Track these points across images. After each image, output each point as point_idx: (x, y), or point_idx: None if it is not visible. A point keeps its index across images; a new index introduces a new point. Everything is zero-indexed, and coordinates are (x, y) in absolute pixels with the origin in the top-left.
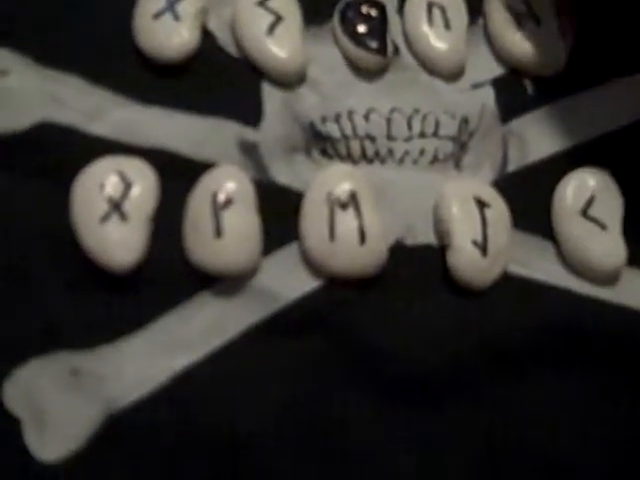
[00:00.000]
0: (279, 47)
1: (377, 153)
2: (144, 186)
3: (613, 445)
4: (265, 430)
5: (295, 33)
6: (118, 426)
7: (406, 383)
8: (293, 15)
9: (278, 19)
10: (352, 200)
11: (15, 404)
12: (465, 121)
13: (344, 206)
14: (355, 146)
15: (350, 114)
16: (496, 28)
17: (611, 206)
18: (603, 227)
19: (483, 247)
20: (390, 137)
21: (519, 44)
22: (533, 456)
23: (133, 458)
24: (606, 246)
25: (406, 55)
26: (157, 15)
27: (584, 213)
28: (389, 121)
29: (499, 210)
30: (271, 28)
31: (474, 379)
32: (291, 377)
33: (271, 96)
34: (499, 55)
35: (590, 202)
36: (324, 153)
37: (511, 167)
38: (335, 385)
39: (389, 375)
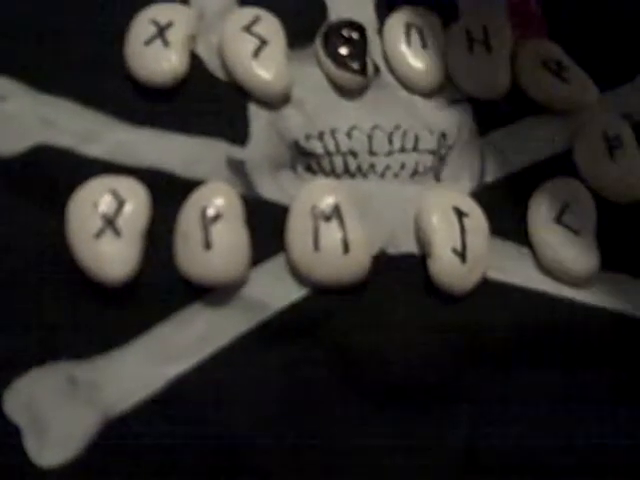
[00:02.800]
0: (264, 69)
1: (359, 168)
2: (136, 203)
3: (591, 441)
4: (257, 436)
5: (280, 56)
6: (115, 433)
7: (392, 386)
8: (277, 39)
9: (263, 43)
10: (335, 213)
11: (15, 412)
12: (443, 136)
13: (328, 218)
14: (338, 162)
15: (333, 132)
16: (450, 49)
17: (584, 213)
18: (577, 233)
19: (462, 254)
20: (372, 152)
21: (463, 67)
22: (516, 453)
23: (130, 464)
24: (579, 251)
25: (386, 74)
26: (147, 41)
27: (558, 220)
28: (370, 137)
29: (477, 219)
30: (256, 52)
31: (458, 380)
32: (281, 382)
33: (257, 116)
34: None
35: (564, 210)
36: (309, 169)
37: (489, 178)
38: (324, 389)
39: (375, 379)
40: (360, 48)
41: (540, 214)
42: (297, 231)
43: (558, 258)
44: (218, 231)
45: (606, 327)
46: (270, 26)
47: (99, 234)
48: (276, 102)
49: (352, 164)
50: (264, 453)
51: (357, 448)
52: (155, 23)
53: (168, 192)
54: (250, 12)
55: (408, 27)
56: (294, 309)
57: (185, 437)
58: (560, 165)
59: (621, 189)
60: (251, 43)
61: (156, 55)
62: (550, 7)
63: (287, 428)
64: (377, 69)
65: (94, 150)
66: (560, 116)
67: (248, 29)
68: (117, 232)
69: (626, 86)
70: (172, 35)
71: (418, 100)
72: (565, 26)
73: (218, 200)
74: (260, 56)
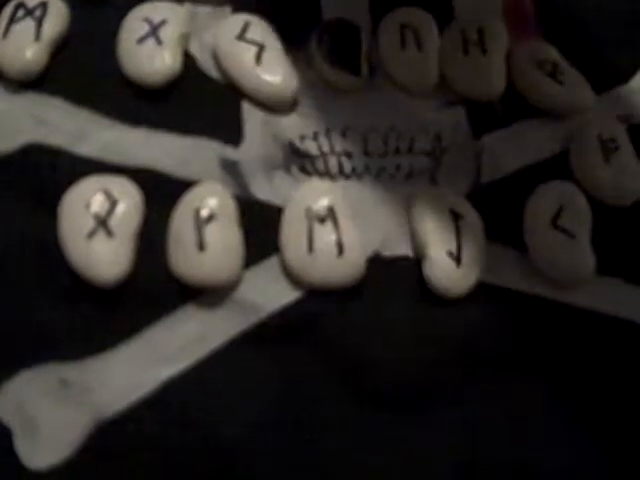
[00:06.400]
0: (271, 74)
1: (354, 169)
2: (129, 203)
3: (580, 449)
4: (250, 437)
5: (281, 58)
6: (106, 435)
7: (386, 389)
8: (273, 42)
9: (261, 48)
10: (330, 214)
11: (5, 414)
12: (438, 138)
13: (322, 220)
14: (332, 162)
15: (328, 132)
16: (445, 51)
17: (579, 216)
18: (572, 236)
19: (457, 257)
20: (366, 153)
21: (458, 69)
22: (506, 458)
23: (121, 466)
24: (575, 255)
25: (380, 75)
26: (140, 40)
27: (553, 223)
28: (365, 138)
29: (473, 221)
30: (258, 57)
31: (452, 384)
32: (274, 385)
33: (251, 116)
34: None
35: (559, 213)
36: (303, 169)
37: (484, 180)
38: (318, 391)
39: (369, 382)
40: (354, 48)
41: (535, 217)
42: (291, 232)
43: (553, 261)
44: (212, 232)
45: (601, 331)
46: (262, 29)
47: (91, 234)
48: (287, 105)
49: (347, 165)
50: (258, 455)
51: (352, 450)
52: (148, 21)
53: (161, 192)
54: (238, 19)
55: (403, 28)
56: (288, 311)
57: (178, 439)
58: (555, 168)
59: (616, 192)
60: (250, 50)
61: (149, 54)
62: (545, 8)
63: (281, 430)
64: (371, 70)
65: (86, 149)
66: (555, 118)
67: (242, 37)
68: (109, 232)
69: (621, 88)
70: (165, 34)
71: (413, 101)
72: (561, 27)
73: (212, 201)
74: (263, 61)
